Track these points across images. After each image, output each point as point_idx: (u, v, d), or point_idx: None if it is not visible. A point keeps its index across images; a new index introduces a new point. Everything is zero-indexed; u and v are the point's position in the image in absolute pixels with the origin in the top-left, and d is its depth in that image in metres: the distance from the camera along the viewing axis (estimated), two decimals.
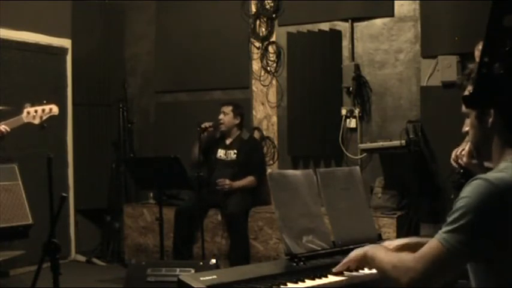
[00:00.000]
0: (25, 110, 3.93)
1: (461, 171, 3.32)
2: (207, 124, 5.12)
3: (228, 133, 5.43)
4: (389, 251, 1.79)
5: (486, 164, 1.71)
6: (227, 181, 5.16)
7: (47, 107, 4.00)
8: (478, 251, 1.51)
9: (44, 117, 3.99)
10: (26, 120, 3.94)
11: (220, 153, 5.42)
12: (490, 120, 1.62)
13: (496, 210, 1.48)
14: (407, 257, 1.63)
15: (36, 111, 3.95)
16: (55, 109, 4.04)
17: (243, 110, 5.50)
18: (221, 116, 5.36)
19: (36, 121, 3.96)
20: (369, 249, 1.88)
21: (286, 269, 2.15)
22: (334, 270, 2.10)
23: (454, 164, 3.35)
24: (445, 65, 4.72)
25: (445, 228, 1.54)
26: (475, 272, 1.61)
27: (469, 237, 1.50)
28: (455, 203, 1.55)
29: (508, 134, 1.61)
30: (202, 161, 5.29)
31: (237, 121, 5.40)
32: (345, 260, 2.05)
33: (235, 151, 5.36)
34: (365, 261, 1.91)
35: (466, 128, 1.77)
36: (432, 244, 1.56)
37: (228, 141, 5.44)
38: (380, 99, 5.16)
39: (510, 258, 1.51)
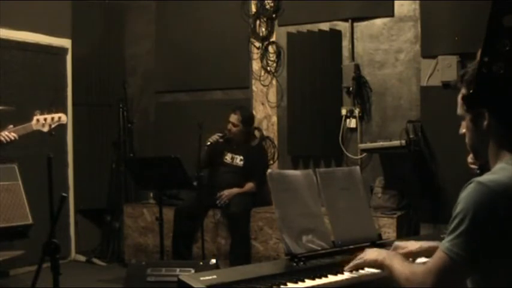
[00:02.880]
0: (35, 118, 4.00)
1: (478, 172, 3.32)
2: (216, 137, 5.08)
3: (237, 140, 5.35)
4: (404, 262, 1.80)
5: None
6: (226, 193, 5.11)
7: (56, 115, 4.07)
8: (481, 253, 1.51)
9: (53, 126, 4.06)
10: (35, 128, 4.02)
11: (227, 156, 5.35)
12: (485, 123, 1.62)
13: (491, 211, 1.49)
14: (418, 269, 1.64)
15: (45, 119, 4.03)
16: (64, 118, 4.12)
17: (253, 118, 5.45)
18: (229, 126, 5.27)
19: (45, 129, 4.03)
20: (386, 257, 1.88)
21: (286, 269, 2.15)
22: (346, 268, 2.11)
23: (472, 166, 3.36)
24: (445, 65, 4.72)
25: (447, 238, 1.55)
26: None
27: (470, 242, 1.51)
28: (454, 208, 1.56)
29: (503, 136, 1.61)
30: (208, 163, 5.28)
31: (246, 131, 5.35)
32: (359, 261, 2.05)
33: (242, 157, 5.30)
34: (380, 266, 1.93)
35: (462, 130, 1.77)
36: (438, 256, 1.57)
37: (235, 146, 5.36)
38: (380, 99, 5.15)
39: (508, 257, 1.51)
